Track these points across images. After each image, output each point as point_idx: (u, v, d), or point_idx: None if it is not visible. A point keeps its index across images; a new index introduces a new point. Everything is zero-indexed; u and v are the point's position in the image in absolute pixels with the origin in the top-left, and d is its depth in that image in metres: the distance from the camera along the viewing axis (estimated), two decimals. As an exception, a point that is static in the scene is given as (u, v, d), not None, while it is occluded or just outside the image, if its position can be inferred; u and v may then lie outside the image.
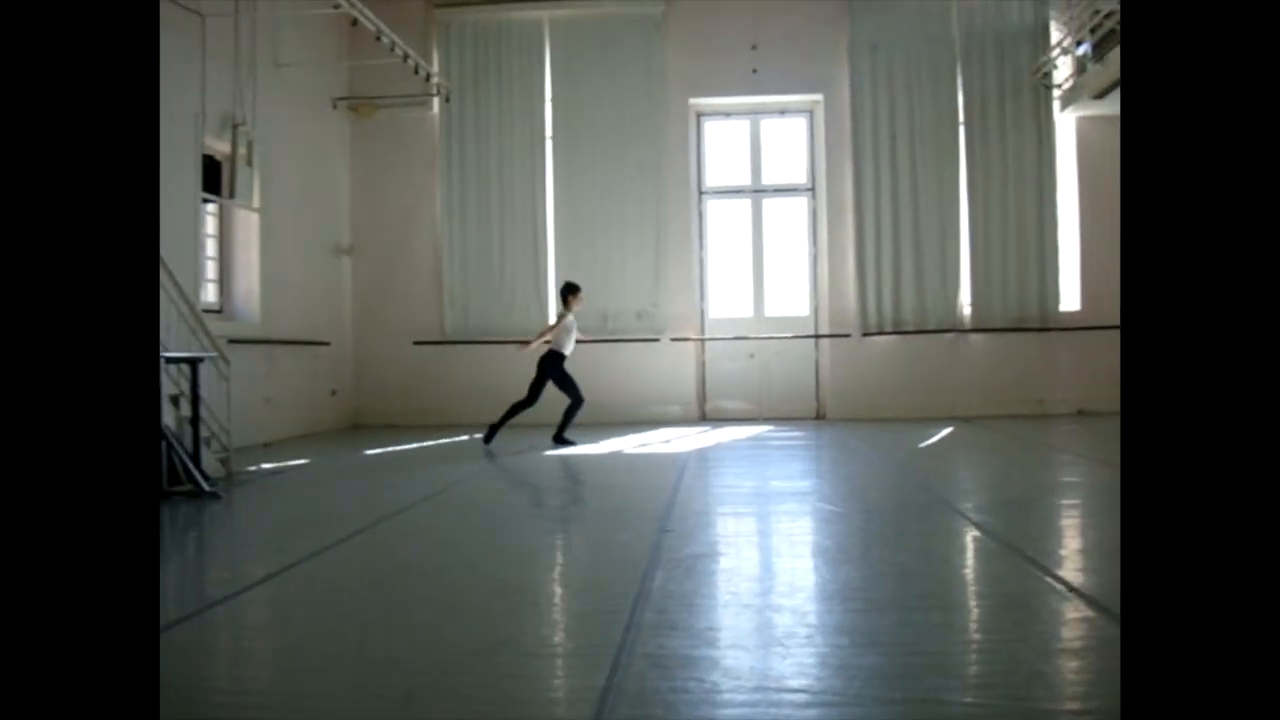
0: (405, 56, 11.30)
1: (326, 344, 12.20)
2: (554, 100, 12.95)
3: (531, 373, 9.98)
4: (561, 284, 10.64)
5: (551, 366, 10.00)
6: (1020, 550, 4.55)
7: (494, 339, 12.65)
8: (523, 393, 9.97)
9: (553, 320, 10.71)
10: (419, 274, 13.14)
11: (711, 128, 13.31)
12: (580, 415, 10.23)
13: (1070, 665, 3.00)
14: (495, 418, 10.12)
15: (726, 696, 2.69)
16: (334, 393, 12.48)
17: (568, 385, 10.09)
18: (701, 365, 13.03)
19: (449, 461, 8.86)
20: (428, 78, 12.25)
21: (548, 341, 10.07)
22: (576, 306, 10.23)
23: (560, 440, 10.05)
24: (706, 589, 3.98)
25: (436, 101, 12.90)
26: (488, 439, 10.15)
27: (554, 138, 12.94)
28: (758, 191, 13.19)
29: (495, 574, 4.44)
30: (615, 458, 9.14)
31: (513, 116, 12.91)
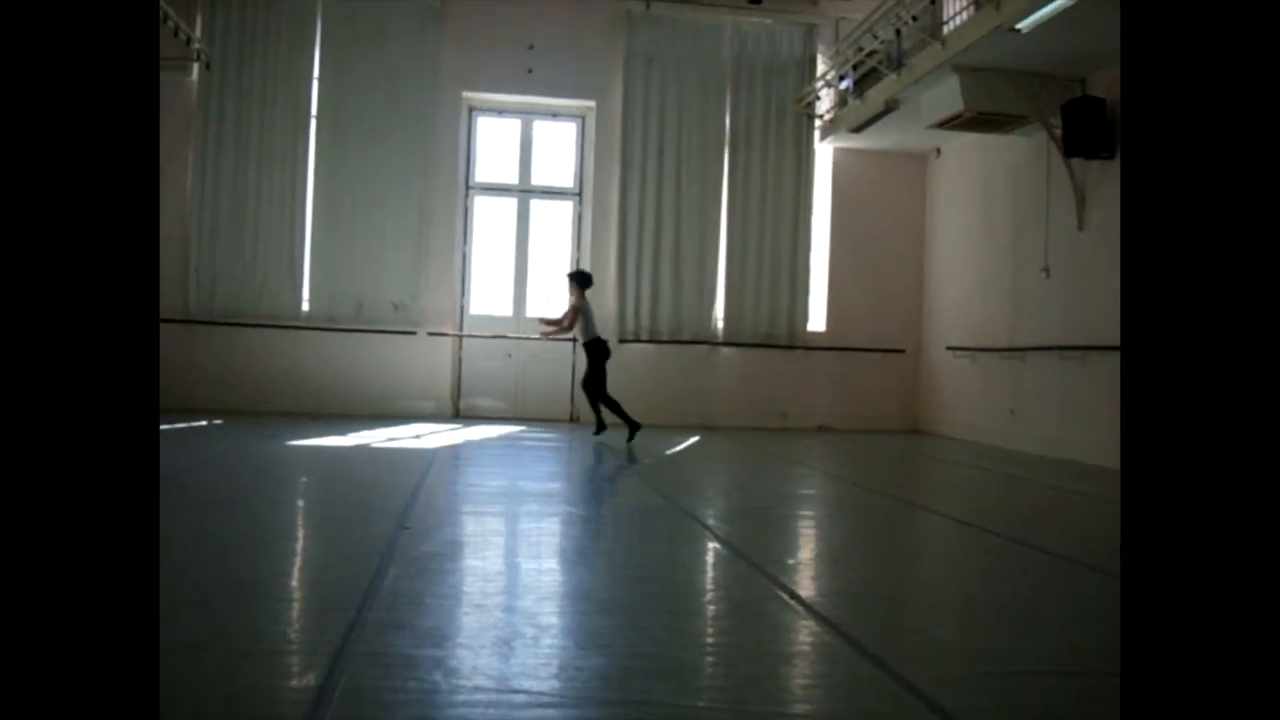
0: (165, 17, 10.64)
1: None
2: (321, 79, 12.51)
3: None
4: (577, 271, 10.98)
5: (600, 353, 10.49)
6: (749, 558, 4.70)
7: (241, 320, 12.10)
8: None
9: (556, 314, 10.98)
10: (163, 249, 12.40)
11: (484, 124, 13.18)
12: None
13: (786, 671, 3.11)
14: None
15: (445, 697, 2.64)
16: None
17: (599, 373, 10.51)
18: (458, 362, 12.88)
19: (182, 447, 8.40)
20: (188, 41, 11.57)
21: (566, 328, 10.56)
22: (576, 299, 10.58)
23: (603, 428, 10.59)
24: (438, 588, 3.91)
25: (196, 68, 12.20)
26: (599, 430, 10.60)
27: (319, 117, 12.50)
28: (525, 192, 13.17)
29: (216, 567, 4.21)
30: (361, 451, 8.90)
31: (277, 91, 12.38)
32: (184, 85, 12.29)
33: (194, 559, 4.32)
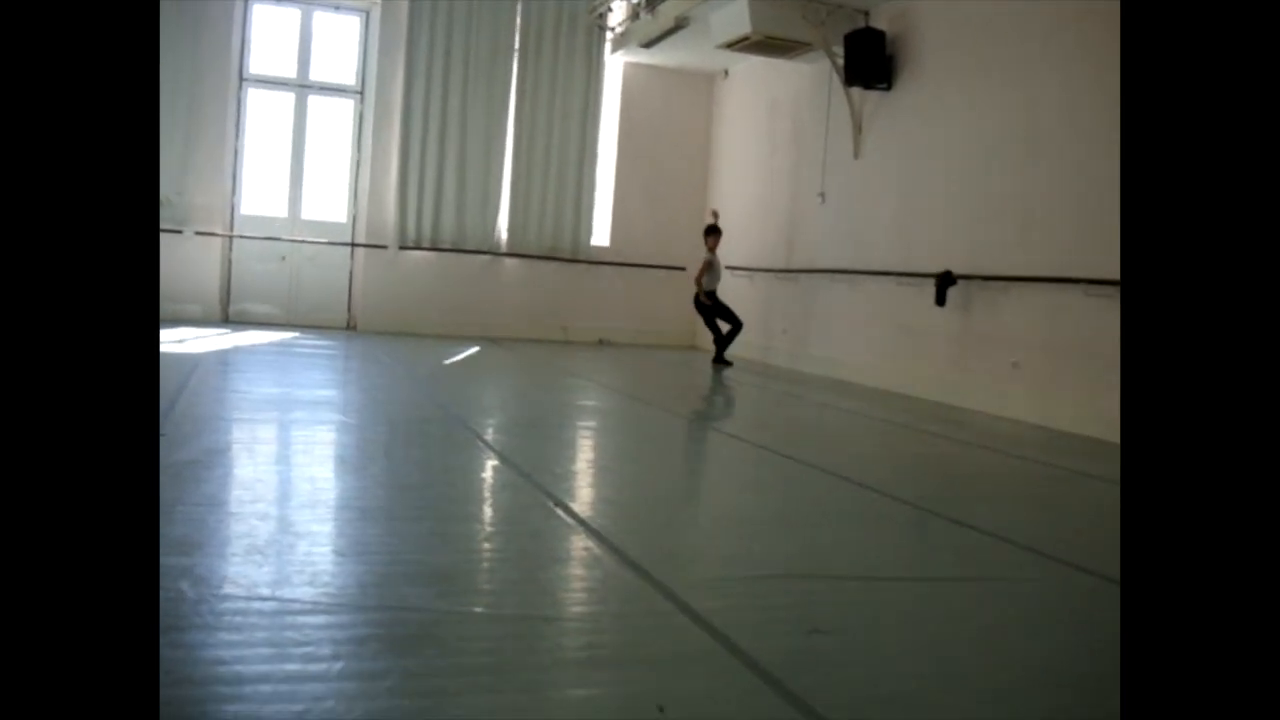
0: None
1: None
2: None
3: None
4: (706, 225, 11.46)
5: (716, 302, 11.22)
6: (519, 467, 4.72)
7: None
8: None
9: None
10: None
11: (260, 12, 12.44)
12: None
13: (545, 576, 3.14)
14: None
15: (190, 606, 2.55)
16: None
17: (725, 313, 11.19)
18: (228, 264, 12.27)
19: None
20: None
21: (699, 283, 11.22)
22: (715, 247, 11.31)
23: (721, 361, 11.11)
24: (191, 496, 3.75)
25: None
26: (719, 360, 11.15)
27: None
28: (304, 87, 12.55)
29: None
30: None
31: None
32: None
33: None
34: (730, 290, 12.34)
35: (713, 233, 11.36)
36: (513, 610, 2.71)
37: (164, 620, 2.43)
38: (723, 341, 11.18)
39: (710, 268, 11.22)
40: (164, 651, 2.22)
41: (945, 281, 8.58)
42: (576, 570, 3.22)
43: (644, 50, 12.41)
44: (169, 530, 3.20)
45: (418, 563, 3.08)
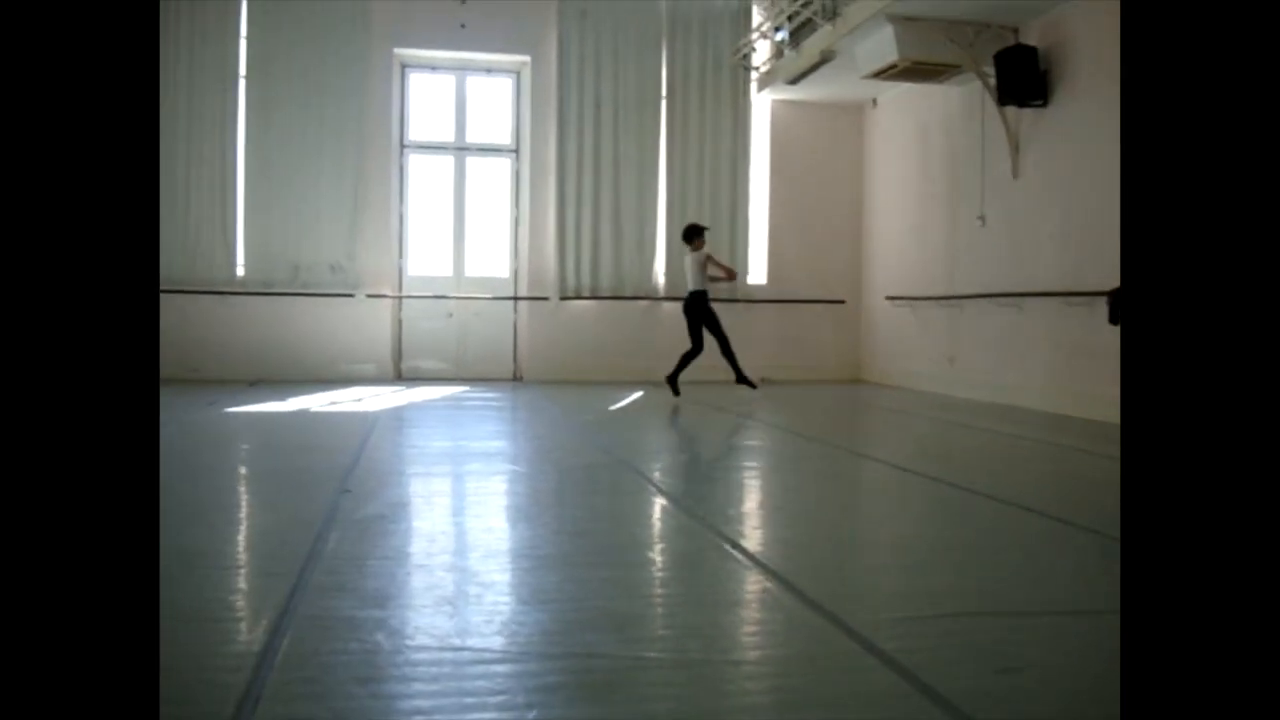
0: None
1: None
2: (249, 36, 12.21)
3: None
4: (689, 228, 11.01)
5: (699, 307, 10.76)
6: (691, 510, 4.73)
7: (176, 288, 11.86)
8: None
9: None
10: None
11: (416, 80, 12.98)
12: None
13: (727, 619, 3.14)
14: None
15: (387, 657, 2.64)
16: None
17: (703, 328, 10.78)
18: (398, 323, 12.76)
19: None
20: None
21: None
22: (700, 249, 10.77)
23: (674, 382, 10.74)
24: (380, 550, 3.90)
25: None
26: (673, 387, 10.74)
27: (247, 76, 12.21)
28: (461, 149, 13.02)
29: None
30: (301, 416, 8.81)
31: (205, 48, 12.07)
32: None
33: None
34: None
35: (697, 234, 10.88)
36: (698, 654, 2.71)
37: (363, 672, 2.53)
38: (682, 363, 10.86)
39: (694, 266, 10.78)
40: (363, 702, 2.31)
41: (1118, 298, 8.26)
42: (757, 612, 3.20)
43: (790, 87, 12.42)
44: (362, 583, 3.33)
45: (599, 609, 3.11)
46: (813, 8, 11.16)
